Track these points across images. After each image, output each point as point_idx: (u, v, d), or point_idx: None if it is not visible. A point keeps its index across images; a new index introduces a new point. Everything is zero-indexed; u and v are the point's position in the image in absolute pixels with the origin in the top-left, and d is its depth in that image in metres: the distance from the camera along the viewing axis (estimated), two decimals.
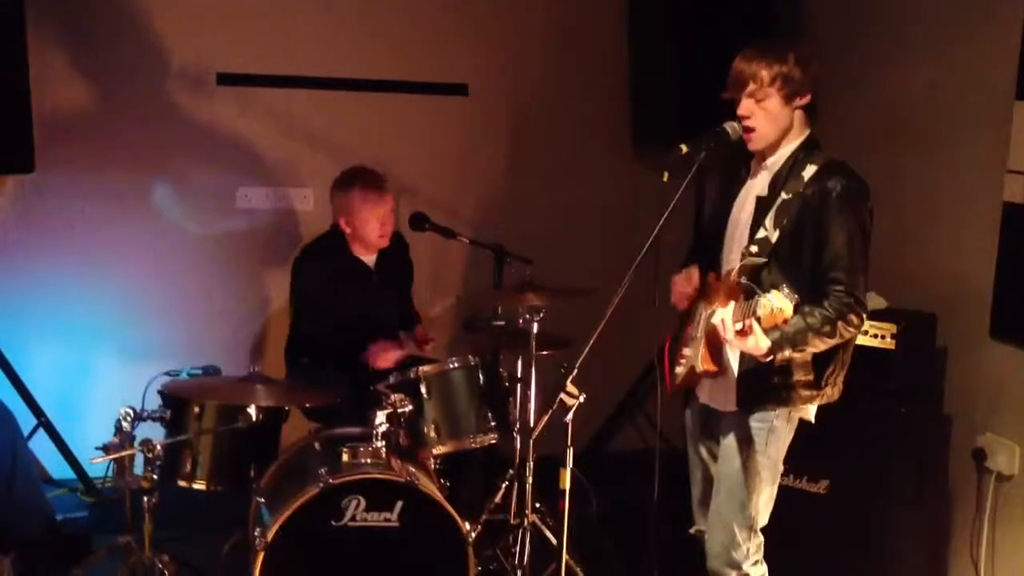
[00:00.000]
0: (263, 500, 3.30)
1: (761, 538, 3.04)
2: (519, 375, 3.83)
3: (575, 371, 2.84)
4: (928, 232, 3.97)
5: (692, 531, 3.28)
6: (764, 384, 2.92)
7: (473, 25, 4.76)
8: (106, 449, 3.07)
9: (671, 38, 4.62)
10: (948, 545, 3.83)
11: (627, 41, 4.93)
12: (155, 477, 3.12)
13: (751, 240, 2.90)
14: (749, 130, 2.91)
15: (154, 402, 3.30)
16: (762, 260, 2.86)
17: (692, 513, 3.28)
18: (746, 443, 2.97)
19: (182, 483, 3.30)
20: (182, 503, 3.34)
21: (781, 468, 3.03)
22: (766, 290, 2.69)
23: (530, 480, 3.66)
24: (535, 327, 3.69)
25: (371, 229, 3.97)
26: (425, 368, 3.56)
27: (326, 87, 4.63)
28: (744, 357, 2.92)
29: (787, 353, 2.78)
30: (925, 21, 4.01)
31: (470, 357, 3.62)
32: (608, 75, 4.95)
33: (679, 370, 3.10)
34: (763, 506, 3.01)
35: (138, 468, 3.14)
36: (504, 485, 3.95)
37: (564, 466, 2.90)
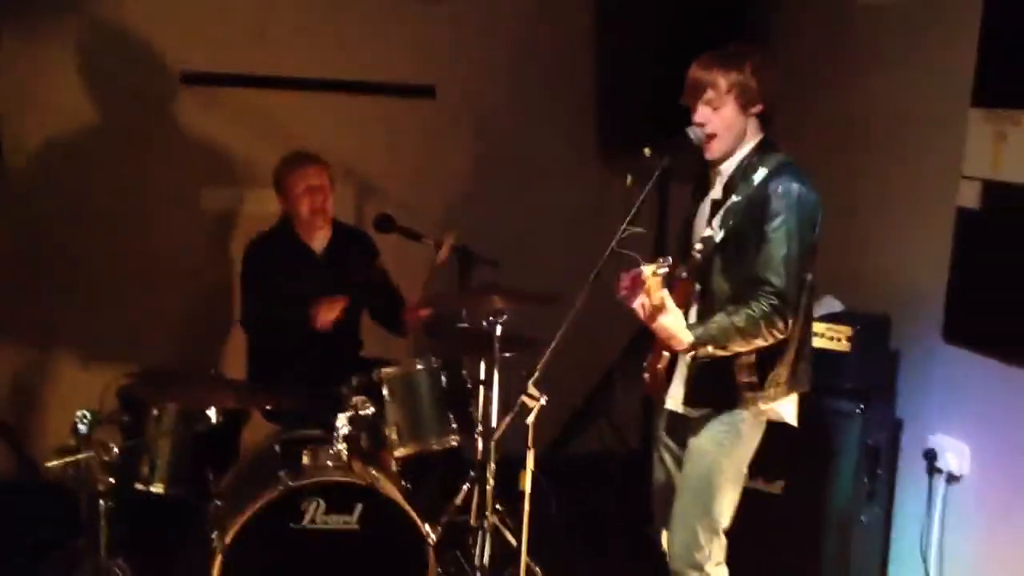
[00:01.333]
0: (221, 503, 3.29)
1: (724, 540, 3.07)
2: (482, 377, 3.84)
3: (536, 374, 2.86)
4: (883, 236, 4.03)
5: (652, 532, 3.30)
6: (709, 385, 2.96)
7: (441, 27, 4.76)
8: (62, 451, 3.05)
9: (639, 42, 4.65)
10: (899, 544, 3.89)
11: (594, 44, 4.95)
12: (112, 480, 3.10)
13: (699, 239, 2.94)
14: (709, 137, 2.94)
15: (113, 405, 3.28)
16: (702, 258, 2.91)
17: (653, 515, 3.30)
18: (712, 445, 3.00)
19: (140, 486, 3.29)
20: (139, 506, 3.32)
21: (745, 471, 3.06)
22: (714, 290, 2.82)
23: (491, 482, 3.67)
24: (498, 330, 3.71)
25: (301, 204, 3.95)
26: (387, 370, 3.56)
27: (293, 87, 4.61)
28: (693, 360, 2.95)
29: (709, 349, 2.82)
30: (885, 30, 4.07)
31: (432, 359, 3.62)
32: (575, 79, 4.96)
33: (645, 376, 3.12)
34: (727, 508, 3.04)
35: (96, 471, 3.12)
36: (465, 487, 3.95)
37: (524, 468, 2.92)
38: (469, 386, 3.75)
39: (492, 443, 3.70)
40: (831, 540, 3.66)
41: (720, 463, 2.99)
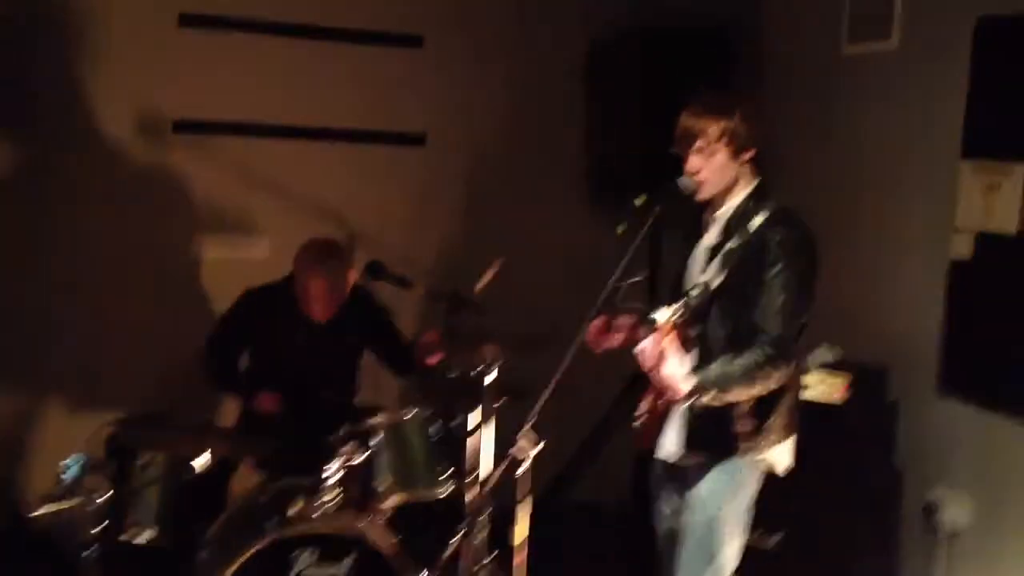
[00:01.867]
0: (209, 552, 3.24)
1: None
2: (473, 425, 3.81)
3: (529, 424, 2.83)
4: (880, 287, 4.04)
5: None
6: (707, 432, 2.94)
7: (431, 75, 4.79)
8: (49, 499, 3.00)
9: (630, 91, 4.68)
10: None
11: (586, 92, 4.99)
12: (98, 529, 3.04)
13: (694, 285, 2.93)
14: (700, 183, 2.95)
15: (100, 452, 3.24)
16: (697, 303, 2.87)
17: (658, 570, 3.25)
18: (711, 495, 2.98)
19: (126, 536, 3.23)
20: (125, 556, 3.26)
21: (748, 519, 3.03)
22: (711, 336, 2.81)
23: (483, 533, 3.62)
24: (490, 378, 3.68)
25: (305, 303, 3.90)
26: (378, 419, 3.52)
27: (283, 135, 4.62)
28: (690, 409, 2.94)
29: (710, 397, 2.79)
30: (875, 81, 4.12)
31: (424, 408, 3.59)
32: (566, 126, 4.99)
33: (636, 425, 3.10)
34: (731, 557, 3.02)
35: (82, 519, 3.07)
36: (457, 537, 3.90)
37: (516, 520, 2.88)
38: (460, 435, 3.72)
39: (483, 494, 3.66)
40: None
41: (722, 512, 2.97)
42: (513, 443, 2.81)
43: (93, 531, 3.04)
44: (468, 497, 3.77)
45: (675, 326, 2.70)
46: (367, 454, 3.41)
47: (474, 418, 3.79)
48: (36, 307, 4.38)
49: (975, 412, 3.56)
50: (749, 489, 3.01)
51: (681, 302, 2.72)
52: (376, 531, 3.30)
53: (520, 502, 2.85)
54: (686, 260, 3.10)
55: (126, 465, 3.27)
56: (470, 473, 3.73)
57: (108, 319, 4.45)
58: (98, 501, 3.02)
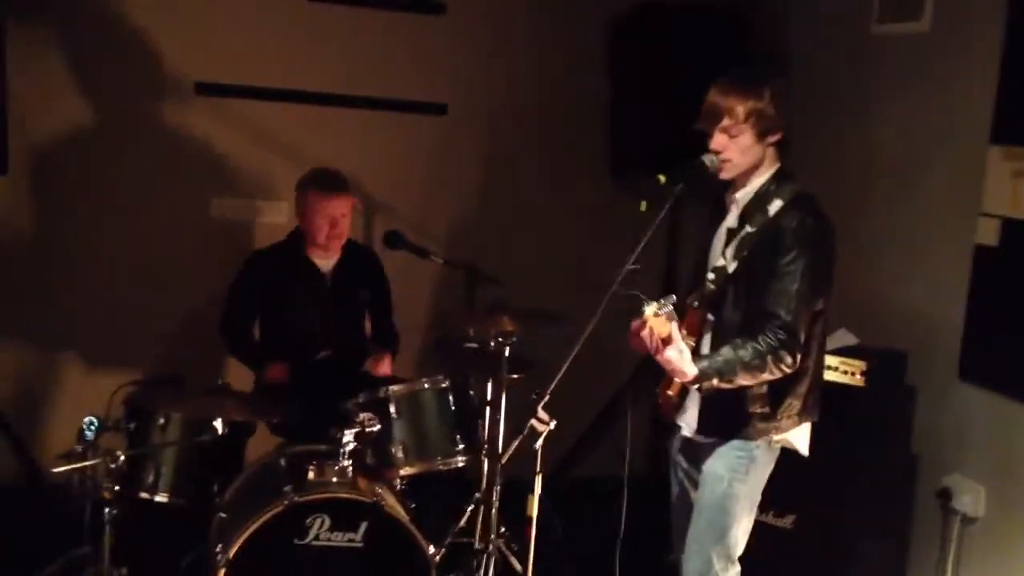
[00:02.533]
0: (226, 515, 3.26)
1: (738, 567, 3.05)
2: (489, 398, 3.82)
3: (547, 397, 2.83)
4: (901, 271, 4.01)
5: (670, 558, 3.27)
6: (721, 413, 2.94)
7: (454, 46, 4.76)
8: (68, 457, 3.02)
9: (652, 66, 4.65)
10: None
11: (608, 67, 4.95)
12: (116, 488, 3.06)
13: (712, 269, 2.92)
14: (723, 162, 2.92)
15: (119, 412, 3.26)
16: (714, 287, 2.89)
17: (671, 540, 3.28)
18: (726, 472, 2.98)
19: (144, 495, 3.26)
20: (143, 515, 3.29)
21: (759, 498, 3.04)
22: (726, 320, 2.82)
23: (496, 505, 3.64)
24: (507, 350, 3.69)
25: (318, 228, 3.93)
26: (395, 387, 3.53)
27: (305, 101, 4.61)
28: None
29: (715, 383, 2.78)
30: (904, 63, 4.07)
31: (441, 378, 3.60)
32: (588, 101, 4.96)
33: (661, 400, 3.10)
34: (741, 535, 3.02)
35: (100, 478, 3.09)
36: (470, 508, 3.92)
37: (531, 492, 2.89)
38: (476, 406, 3.74)
39: (498, 466, 3.68)
40: None
41: (734, 490, 2.97)
42: (530, 416, 2.81)
43: (111, 490, 3.05)
44: (484, 467, 3.80)
45: (671, 313, 2.69)
46: (383, 422, 3.41)
47: (491, 389, 3.81)
48: (56, 268, 4.39)
49: (994, 399, 3.54)
50: (762, 469, 3.01)
51: (671, 296, 2.70)
52: (391, 499, 3.31)
53: (538, 472, 2.85)
54: (710, 240, 3.08)
55: (144, 426, 3.28)
56: (486, 444, 3.75)
57: (128, 280, 4.47)
58: (116, 461, 3.04)
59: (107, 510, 3.06)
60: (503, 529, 3.74)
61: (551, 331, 3.48)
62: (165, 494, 3.27)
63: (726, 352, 2.78)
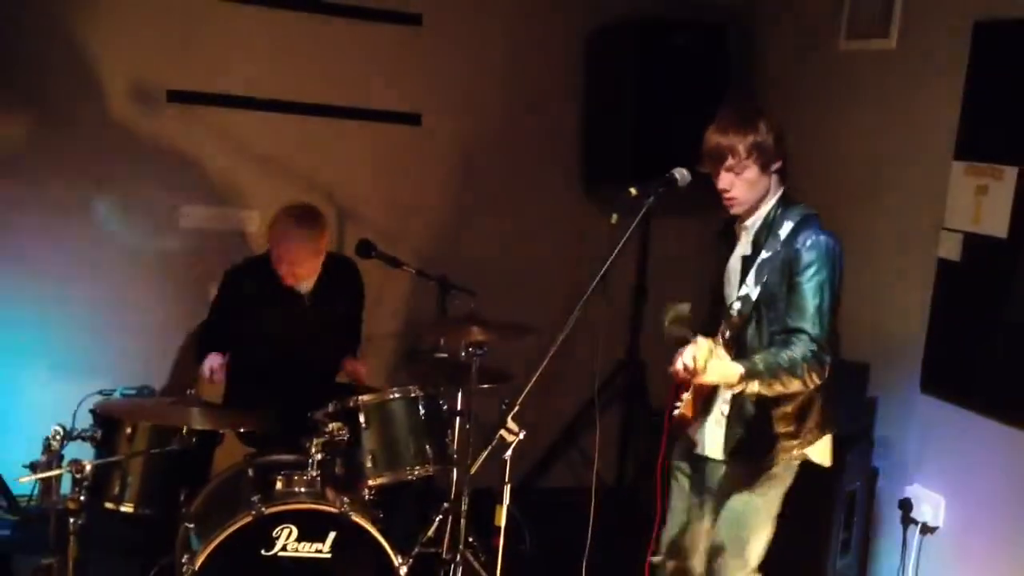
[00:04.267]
0: (192, 526, 3.24)
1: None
2: (459, 408, 3.82)
3: (516, 408, 2.85)
4: (864, 284, 4.05)
5: (654, 560, 3.30)
6: (748, 435, 2.98)
7: (429, 57, 4.77)
8: (33, 467, 2.99)
9: (626, 80, 4.69)
10: None
11: (582, 80, 4.98)
12: (82, 498, 3.04)
13: (736, 297, 2.98)
14: (730, 199, 2.97)
15: (86, 421, 3.24)
16: (743, 315, 2.93)
17: (660, 542, 3.30)
18: (748, 486, 3.03)
19: (109, 505, 3.25)
20: (108, 526, 3.27)
21: (778, 511, 3.08)
22: (748, 345, 2.87)
23: (464, 515, 3.64)
24: (477, 361, 3.70)
25: (278, 259, 3.86)
26: (364, 397, 3.53)
27: (279, 110, 4.60)
28: (732, 409, 2.99)
29: (755, 386, 2.81)
30: (871, 79, 4.13)
31: (411, 388, 3.60)
32: (561, 114, 4.99)
33: (675, 413, 3.14)
34: (760, 547, 3.08)
35: (65, 488, 3.07)
36: (438, 518, 3.93)
37: (500, 502, 2.91)
38: (446, 417, 3.74)
39: (467, 476, 3.68)
40: None
41: (754, 504, 3.03)
42: (499, 427, 2.82)
43: (77, 500, 3.02)
44: (453, 477, 3.80)
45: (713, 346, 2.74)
46: (352, 432, 3.41)
47: (460, 400, 3.82)
48: (22, 275, 4.35)
49: (955, 410, 3.60)
50: (783, 483, 3.07)
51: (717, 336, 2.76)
52: (359, 509, 3.30)
53: (507, 483, 2.86)
54: (721, 270, 3.13)
55: (111, 435, 3.27)
56: (455, 454, 3.76)
57: (95, 290, 4.43)
58: (83, 471, 3.01)
59: (72, 520, 3.02)
60: (471, 539, 3.75)
61: (521, 342, 3.50)
62: (131, 504, 3.26)
63: (764, 356, 2.82)
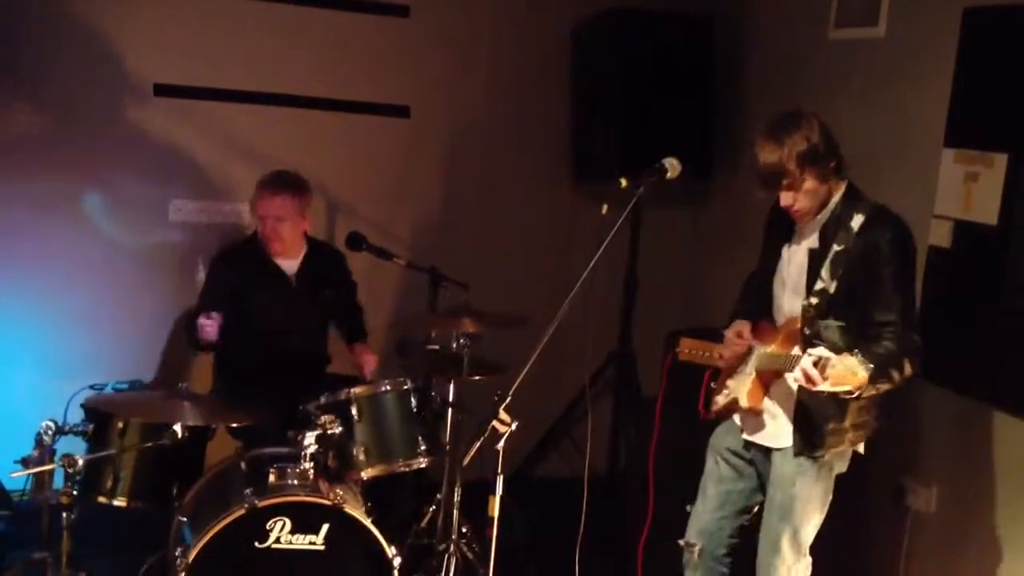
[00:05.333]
0: (185, 519, 3.24)
1: (809, 559, 3.11)
2: (451, 399, 3.83)
3: (508, 399, 2.85)
4: None
5: (681, 542, 3.32)
6: (821, 429, 2.96)
7: (418, 48, 4.76)
8: (25, 463, 3.00)
9: (614, 71, 4.68)
10: None
11: (570, 71, 4.98)
12: (75, 493, 3.04)
13: (809, 291, 2.94)
14: (797, 212, 2.96)
15: (77, 416, 3.23)
16: (823, 309, 2.91)
17: (688, 524, 3.32)
18: (800, 474, 3.03)
19: (102, 499, 3.24)
20: (101, 520, 3.26)
21: (831, 496, 3.08)
22: (824, 340, 2.84)
23: (457, 506, 3.65)
24: (469, 352, 3.70)
25: (262, 226, 3.96)
26: (356, 390, 3.53)
27: (266, 102, 4.59)
28: (800, 402, 2.96)
29: (879, 385, 2.79)
30: (860, 67, 4.13)
31: (403, 380, 3.60)
32: (551, 104, 4.98)
33: (719, 399, 3.14)
34: (811, 530, 3.09)
35: (58, 483, 3.06)
36: (431, 509, 3.93)
37: (493, 493, 2.91)
38: (438, 408, 3.74)
39: (459, 467, 3.69)
40: None
41: (808, 491, 3.03)
42: (492, 418, 2.83)
43: (69, 495, 3.02)
44: (445, 469, 3.81)
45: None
46: (345, 424, 3.40)
47: (452, 391, 3.82)
48: (12, 269, 4.34)
49: (947, 397, 3.61)
50: (836, 470, 3.07)
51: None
52: (352, 501, 3.31)
53: (500, 474, 2.86)
54: (774, 261, 3.11)
55: (103, 430, 3.26)
56: (448, 446, 3.76)
57: (86, 282, 4.42)
58: (75, 466, 3.01)
59: (65, 515, 3.03)
60: (464, 530, 3.76)
61: (513, 333, 3.50)
62: (124, 498, 3.26)
63: (871, 356, 2.72)
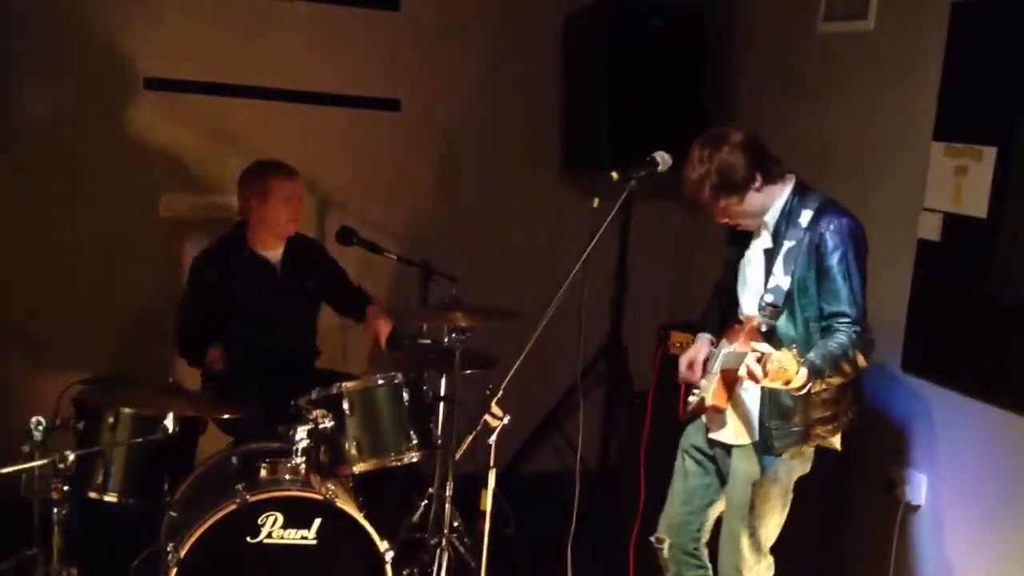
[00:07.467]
0: (177, 514, 3.23)
1: (770, 559, 3.12)
2: (443, 393, 3.83)
3: (500, 393, 2.85)
4: None
5: (652, 538, 3.33)
6: (787, 428, 2.98)
7: (408, 41, 4.76)
8: (16, 458, 2.98)
9: (604, 64, 4.68)
10: (857, 572, 3.92)
11: (561, 64, 4.98)
12: (65, 488, 3.02)
13: (766, 289, 2.96)
14: (737, 226, 3.03)
15: (67, 411, 3.22)
16: (778, 306, 2.93)
17: (658, 521, 3.33)
18: (758, 472, 3.04)
19: (93, 494, 3.23)
20: (92, 515, 3.25)
21: (792, 495, 3.10)
22: (781, 335, 2.87)
23: (449, 500, 3.65)
24: (460, 346, 3.70)
25: (282, 211, 3.92)
26: (348, 384, 3.52)
27: (256, 96, 4.58)
28: (764, 402, 2.99)
29: (828, 379, 2.82)
30: (850, 60, 4.13)
31: (394, 374, 3.60)
32: (541, 98, 4.98)
33: (691, 399, 3.15)
34: (773, 530, 3.10)
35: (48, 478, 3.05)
36: (423, 504, 3.93)
37: (485, 487, 2.91)
38: (430, 402, 3.74)
39: (451, 461, 3.69)
40: (788, 567, 3.67)
41: (767, 489, 3.04)
42: (483, 412, 2.83)
43: (60, 490, 3.01)
44: (437, 463, 3.81)
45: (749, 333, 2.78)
46: (336, 419, 3.40)
47: (444, 385, 3.82)
48: (1, 264, 4.32)
49: (936, 390, 3.63)
50: (798, 470, 3.08)
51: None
52: (344, 496, 3.31)
53: (491, 468, 2.87)
54: (733, 268, 3.15)
55: (93, 425, 3.25)
56: (439, 440, 3.76)
57: (75, 277, 4.41)
58: (65, 461, 2.99)
59: (56, 510, 3.01)
60: (456, 524, 3.76)
61: (505, 327, 3.50)
62: (115, 494, 3.25)
63: (817, 352, 2.80)
